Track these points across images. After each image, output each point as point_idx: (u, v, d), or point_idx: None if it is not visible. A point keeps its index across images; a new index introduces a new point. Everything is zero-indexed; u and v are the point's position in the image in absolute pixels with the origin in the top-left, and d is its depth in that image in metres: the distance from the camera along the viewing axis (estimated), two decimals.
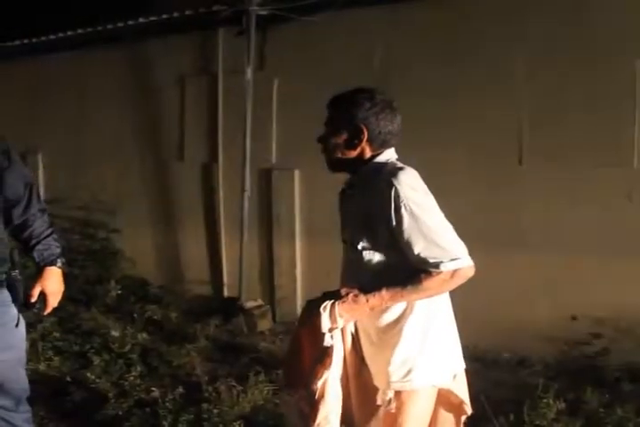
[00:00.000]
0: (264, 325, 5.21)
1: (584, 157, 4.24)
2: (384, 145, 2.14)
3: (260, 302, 5.43)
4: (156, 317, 5.21)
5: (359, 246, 2.10)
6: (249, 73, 5.21)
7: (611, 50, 4.15)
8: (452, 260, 1.96)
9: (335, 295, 2.07)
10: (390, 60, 4.86)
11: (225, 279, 5.76)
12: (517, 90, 4.44)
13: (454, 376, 2.19)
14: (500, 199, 4.52)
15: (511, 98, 4.46)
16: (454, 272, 1.97)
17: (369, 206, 2.06)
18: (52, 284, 2.68)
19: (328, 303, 2.04)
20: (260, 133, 5.33)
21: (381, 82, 4.51)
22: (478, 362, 4.17)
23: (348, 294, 2.05)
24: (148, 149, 6.18)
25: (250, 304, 5.31)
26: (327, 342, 2.05)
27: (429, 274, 1.97)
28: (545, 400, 3.48)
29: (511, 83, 4.45)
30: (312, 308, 2.08)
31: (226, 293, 5.75)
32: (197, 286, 5.85)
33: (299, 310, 5.20)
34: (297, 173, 5.30)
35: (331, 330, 2.05)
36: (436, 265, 1.96)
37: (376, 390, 2.14)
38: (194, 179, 5.89)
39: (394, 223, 1.98)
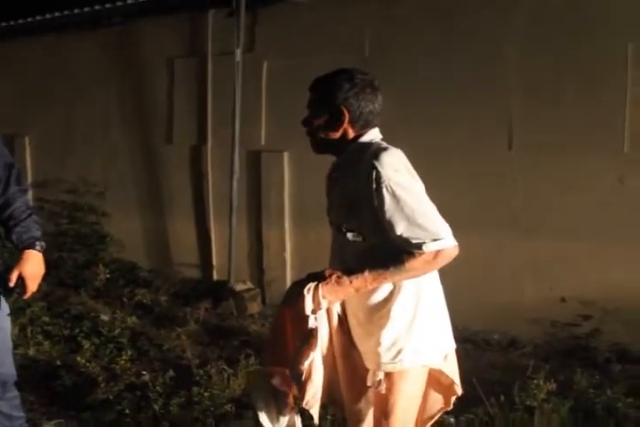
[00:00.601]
0: (254, 308, 5.22)
1: (575, 142, 4.26)
2: (367, 125, 2.15)
3: (249, 284, 5.44)
4: (145, 300, 5.23)
5: (344, 228, 2.13)
6: (238, 54, 5.20)
7: (602, 34, 4.15)
8: (435, 240, 1.97)
9: (319, 277, 2.09)
10: (381, 44, 4.86)
11: (214, 262, 5.77)
12: (508, 75, 4.45)
13: (445, 356, 2.22)
14: (490, 184, 4.54)
15: (502, 83, 4.47)
16: (437, 253, 1.99)
17: (353, 188, 2.07)
18: (31, 267, 2.54)
19: (311, 285, 2.07)
20: (249, 115, 5.33)
21: (372, 66, 4.51)
22: (469, 343, 4.24)
23: (331, 276, 2.07)
24: (137, 131, 6.18)
25: (239, 287, 5.32)
26: (311, 323, 2.07)
27: (412, 255, 1.99)
28: (535, 381, 3.52)
29: (502, 68, 4.46)
30: (296, 289, 2.10)
31: (215, 276, 5.77)
32: (187, 270, 5.87)
33: None
34: (286, 156, 5.31)
35: (314, 312, 2.07)
36: (419, 246, 1.97)
37: (366, 370, 2.17)
38: (183, 162, 5.90)
39: (376, 204, 2.00)
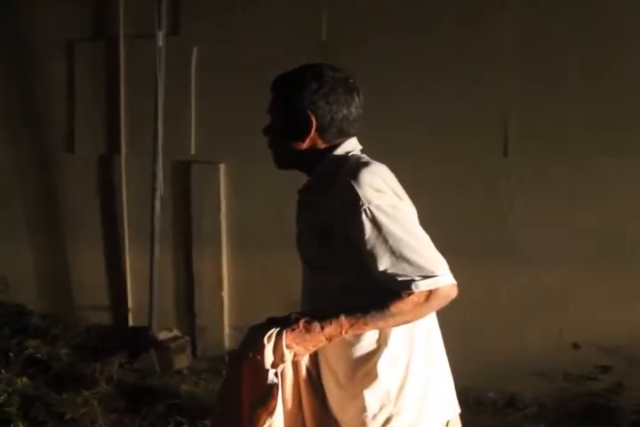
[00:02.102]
0: (182, 361, 5.18)
1: (585, 146, 4.31)
2: (340, 134, 2.16)
3: (176, 332, 5.41)
4: (39, 355, 5.12)
5: (315, 263, 2.13)
6: (160, 38, 5.17)
7: (618, 9, 4.24)
8: (427, 277, 1.96)
9: (283, 322, 2.06)
10: (342, 27, 4.89)
11: (130, 304, 5.71)
12: (502, 64, 4.49)
13: (447, 424, 2.21)
14: (480, 199, 4.59)
15: (494, 74, 4.51)
16: (430, 293, 1.97)
17: (325, 214, 2.08)
18: None
19: (273, 332, 2.04)
20: (174, 117, 5.29)
21: (331, 53, 4.54)
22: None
23: (298, 321, 2.05)
24: (27, 136, 6.07)
25: (163, 336, 5.28)
26: (271, 379, 2.03)
27: (398, 296, 1.97)
28: None
29: (494, 56, 4.50)
30: (253, 337, 2.07)
31: (131, 321, 5.71)
32: (94, 314, 5.78)
33: (226, 341, 5.33)
34: (222, 168, 5.29)
35: (275, 365, 2.04)
36: (407, 285, 1.95)
37: None
38: (88, 176, 5.82)
39: (354, 234, 1.99)
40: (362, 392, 2.10)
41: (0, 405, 4.30)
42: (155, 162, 5.27)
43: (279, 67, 2.27)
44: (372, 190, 1.98)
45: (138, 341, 5.23)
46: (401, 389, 2.10)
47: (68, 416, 4.24)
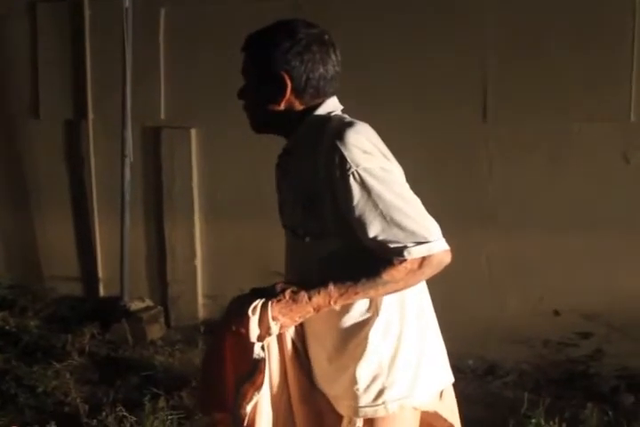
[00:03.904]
0: (155, 332, 5.16)
1: (566, 110, 4.28)
2: (318, 94, 2.09)
3: (148, 302, 5.39)
4: (7, 327, 5.11)
5: (301, 232, 2.06)
6: None
7: None
8: (420, 243, 1.91)
9: (268, 292, 1.99)
10: None
11: (100, 274, 5.67)
12: (482, 23, 4.43)
13: (440, 394, 2.17)
14: (459, 165, 4.56)
15: (473, 41, 4.46)
16: (423, 260, 1.92)
17: (309, 179, 2.01)
18: None
19: (258, 303, 1.96)
20: (143, 80, 5.23)
21: (307, 16, 4.42)
22: None
23: (284, 291, 1.98)
24: None
25: (136, 306, 5.26)
26: (257, 353, 1.99)
27: (390, 263, 1.92)
28: (534, 420, 3.53)
29: (474, 13, 4.45)
30: (237, 309, 2.00)
31: (102, 292, 5.68)
32: (63, 285, 5.73)
33: (200, 311, 5.33)
34: (194, 133, 5.23)
35: (262, 338, 1.98)
36: (399, 251, 1.90)
37: (337, 417, 2.10)
38: (54, 142, 5.74)
39: (341, 199, 1.93)
40: (352, 364, 2.05)
41: None
42: (124, 127, 5.23)
43: (251, 26, 2.18)
44: (360, 152, 1.91)
45: (109, 311, 5.21)
46: (393, 359, 2.06)
47: (39, 390, 4.21)
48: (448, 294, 4.30)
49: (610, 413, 3.79)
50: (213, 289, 5.20)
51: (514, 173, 4.46)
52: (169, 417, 3.71)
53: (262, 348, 2.00)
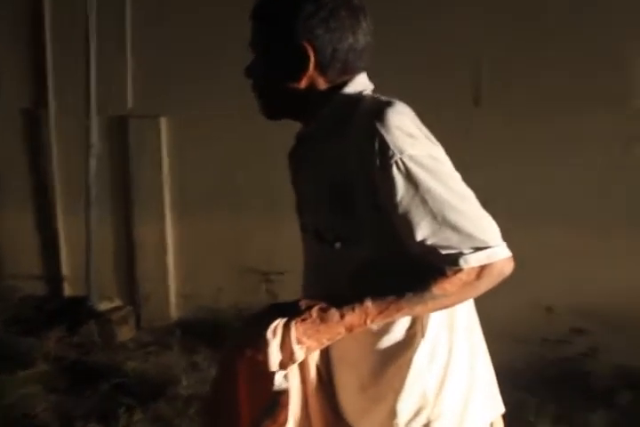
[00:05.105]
0: (125, 334, 5.07)
1: (565, 97, 4.21)
2: (346, 70, 1.79)
3: (117, 302, 5.32)
4: None
5: (329, 236, 1.78)
6: None
7: None
8: (478, 249, 1.65)
9: (290, 310, 1.73)
10: None
11: (64, 272, 5.55)
12: (474, 13, 4.35)
13: (491, 426, 1.96)
14: (451, 151, 4.34)
15: (466, 24, 4.37)
16: (482, 269, 1.66)
17: (338, 171, 1.72)
18: None
19: (279, 323, 1.70)
20: (109, 66, 5.09)
21: None
22: None
23: (310, 309, 1.71)
24: None
25: (104, 306, 5.19)
26: (279, 384, 1.74)
27: (442, 273, 1.66)
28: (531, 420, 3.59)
29: (466, 5, 4.35)
30: (253, 329, 1.73)
31: (67, 291, 5.57)
32: (25, 283, 5.58)
33: (172, 310, 5.28)
34: (164, 122, 5.10)
35: (284, 366, 1.72)
36: (453, 259, 1.64)
37: None
38: (12, 132, 5.55)
39: (382, 194, 1.66)
40: (391, 394, 1.82)
41: None
42: (88, 116, 5.17)
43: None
44: (404, 136, 1.65)
45: (76, 312, 5.11)
46: (440, 388, 1.83)
47: (4, 402, 4.04)
48: None
49: (605, 411, 3.80)
50: (186, 288, 5.15)
51: (507, 160, 4.37)
52: None
53: (285, 377, 1.75)
